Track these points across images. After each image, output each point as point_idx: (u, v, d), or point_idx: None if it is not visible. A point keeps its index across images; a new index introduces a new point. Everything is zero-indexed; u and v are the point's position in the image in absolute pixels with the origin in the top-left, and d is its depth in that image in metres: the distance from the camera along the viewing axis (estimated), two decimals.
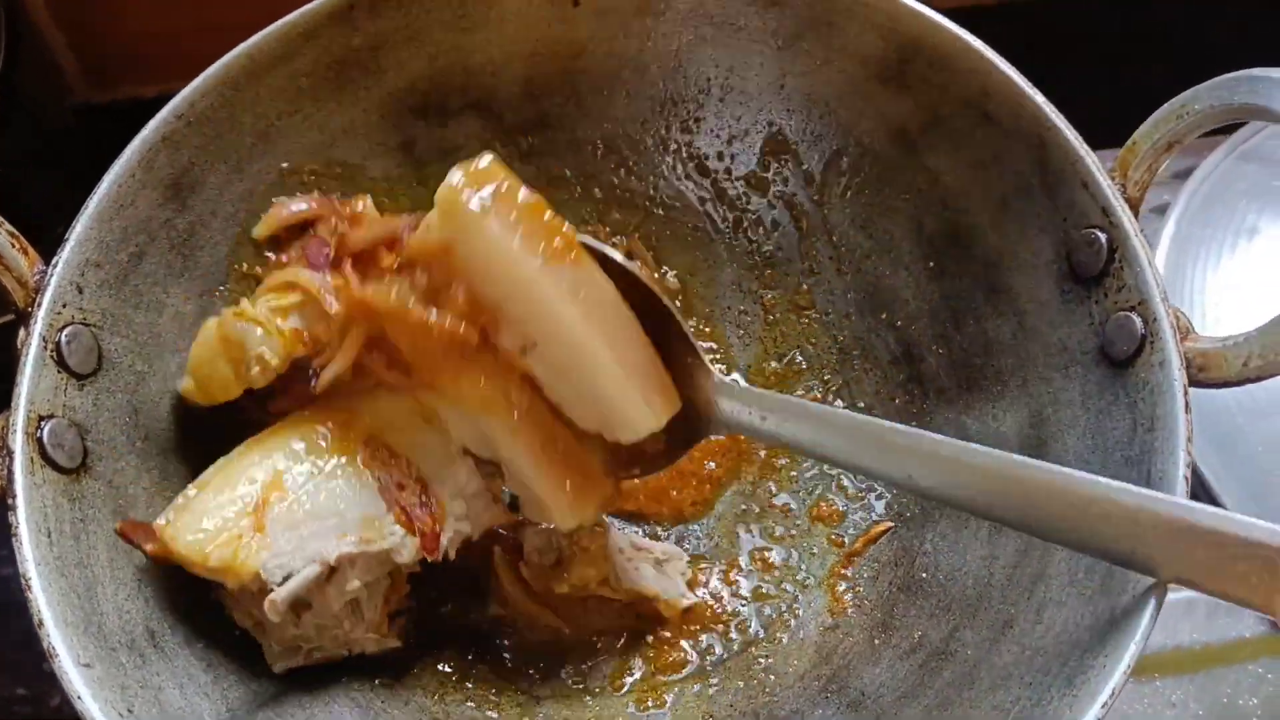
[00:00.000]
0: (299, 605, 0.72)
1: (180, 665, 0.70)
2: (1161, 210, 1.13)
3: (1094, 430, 0.73)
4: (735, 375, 0.93)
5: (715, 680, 0.82)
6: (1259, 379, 0.67)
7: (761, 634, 0.83)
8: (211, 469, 0.73)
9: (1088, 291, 0.75)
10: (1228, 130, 1.14)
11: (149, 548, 0.69)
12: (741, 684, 0.81)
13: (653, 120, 0.93)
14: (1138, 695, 0.92)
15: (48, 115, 1.18)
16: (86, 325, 0.73)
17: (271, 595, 0.68)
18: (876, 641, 0.79)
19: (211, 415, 0.79)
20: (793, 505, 0.88)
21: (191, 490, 0.71)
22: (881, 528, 0.86)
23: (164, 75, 1.10)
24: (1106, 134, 0.80)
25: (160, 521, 0.69)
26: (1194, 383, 0.69)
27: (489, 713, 0.79)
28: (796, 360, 0.92)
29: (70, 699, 0.61)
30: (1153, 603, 0.62)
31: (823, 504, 0.88)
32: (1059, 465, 0.73)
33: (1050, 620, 0.69)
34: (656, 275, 0.95)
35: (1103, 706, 0.60)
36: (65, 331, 0.71)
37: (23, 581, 0.63)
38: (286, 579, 0.69)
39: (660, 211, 0.95)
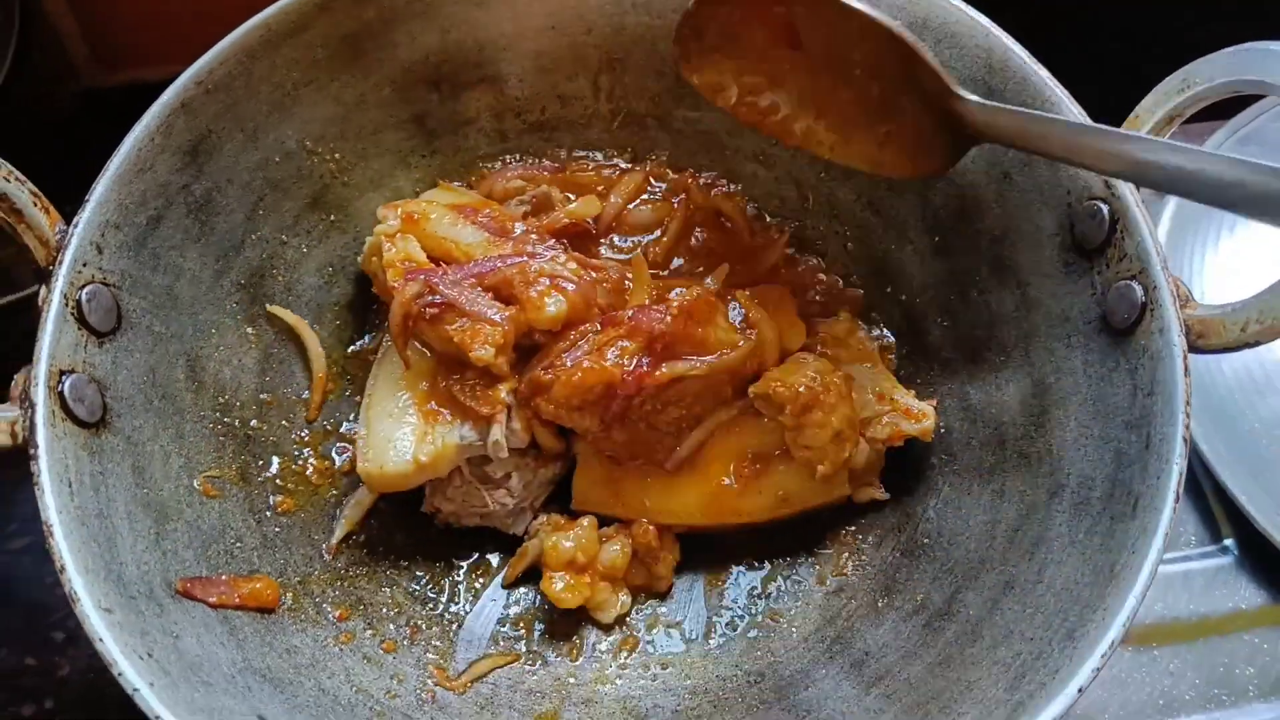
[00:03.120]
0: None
1: (198, 617, 0.71)
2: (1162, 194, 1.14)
3: (1095, 397, 0.75)
4: None
5: (721, 641, 0.83)
6: (1257, 344, 0.68)
7: (766, 600, 0.85)
8: (365, 409, 0.82)
9: (1090, 262, 0.76)
10: (1229, 113, 1.15)
11: (212, 600, 0.73)
12: (747, 644, 0.82)
13: (662, 97, 0.94)
14: (1136, 664, 0.93)
15: (56, 98, 1.19)
16: (106, 285, 0.74)
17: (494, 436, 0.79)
18: (880, 604, 0.81)
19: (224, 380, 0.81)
20: None
21: (362, 430, 0.81)
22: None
23: (168, 60, 1.11)
24: (1116, 105, 0.81)
25: (362, 465, 0.79)
26: (1193, 349, 0.70)
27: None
28: None
29: (92, 642, 0.62)
30: (1152, 554, 0.64)
31: None
32: (1061, 430, 0.76)
33: (1051, 579, 0.71)
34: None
35: (1101, 656, 0.62)
36: (85, 290, 0.73)
37: (44, 528, 0.65)
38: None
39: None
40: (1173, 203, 1.11)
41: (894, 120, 0.77)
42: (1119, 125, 0.76)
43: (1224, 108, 1.14)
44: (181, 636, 0.68)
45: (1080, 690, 0.61)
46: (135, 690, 0.61)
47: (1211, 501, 1.00)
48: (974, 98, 0.72)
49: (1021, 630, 0.69)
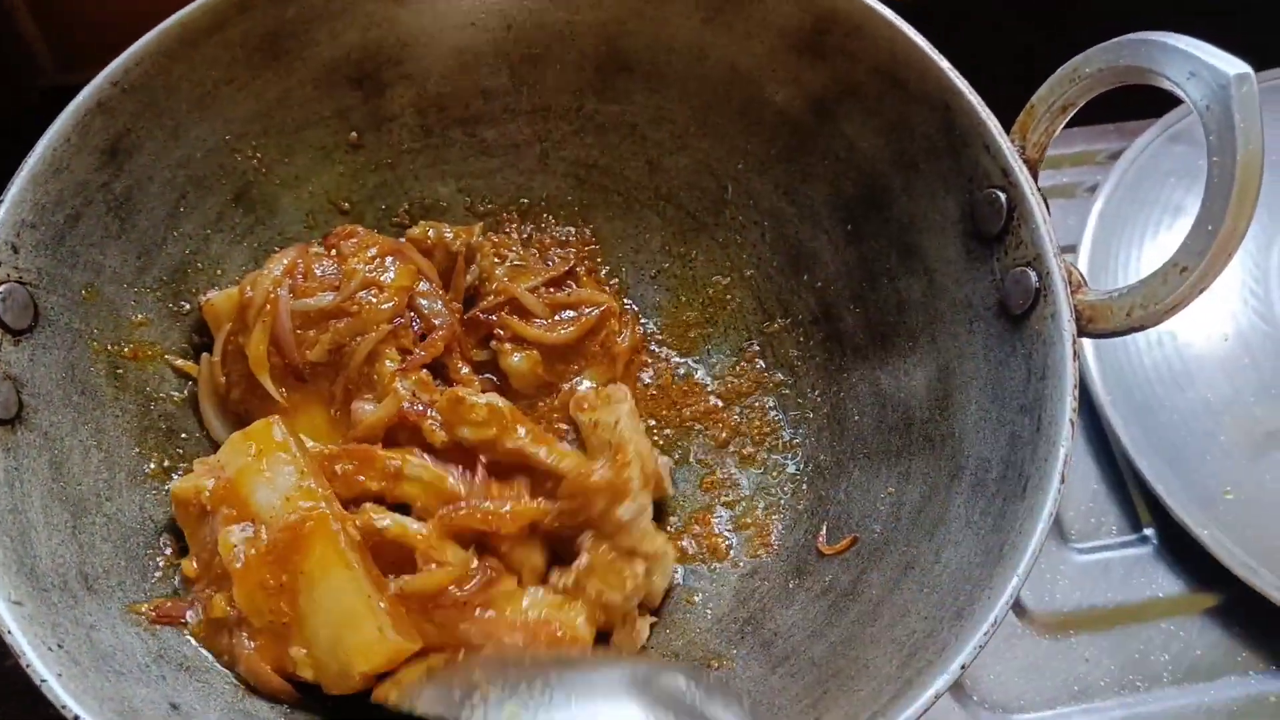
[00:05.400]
0: None
1: (113, 608, 0.73)
2: (1093, 189, 1.16)
3: (994, 381, 0.77)
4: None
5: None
6: (1142, 328, 0.70)
7: (683, 581, 0.87)
8: None
9: (989, 249, 0.78)
10: (1159, 111, 1.17)
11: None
12: (661, 625, 0.84)
13: (583, 91, 0.96)
14: (1054, 651, 0.95)
15: (17, 97, 1.20)
16: (22, 284, 0.76)
17: None
18: (791, 585, 0.83)
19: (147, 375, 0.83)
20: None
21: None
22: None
23: None
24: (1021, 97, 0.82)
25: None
26: (1084, 333, 0.72)
27: None
28: (720, 319, 0.97)
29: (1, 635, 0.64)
30: (1037, 534, 0.66)
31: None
32: (963, 414, 0.78)
33: (947, 559, 0.73)
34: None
35: (984, 634, 0.64)
36: (0, 289, 0.74)
37: None
38: None
39: (593, 181, 0.98)
40: (1101, 198, 1.13)
41: None
42: (1016, 116, 0.78)
43: (1155, 106, 1.17)
44: (96, 627, 0.70)
45: (963, 667, 0.63)
46: (43, 681, 0.62)
47: (1132, 492, 1.03)
48: None
49: (918, 609, 0.71)
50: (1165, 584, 0.99)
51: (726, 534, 0.89)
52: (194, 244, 0.88)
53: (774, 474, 0.91)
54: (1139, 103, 1.10)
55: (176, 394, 0.86)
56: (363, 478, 0.77)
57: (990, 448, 0.75)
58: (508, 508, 0.77)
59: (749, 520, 0.89)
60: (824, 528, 0.85)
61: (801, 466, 0.90)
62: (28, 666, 0.63)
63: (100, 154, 0.81)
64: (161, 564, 0.78)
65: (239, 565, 0.72)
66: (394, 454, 0.78)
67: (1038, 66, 0.80)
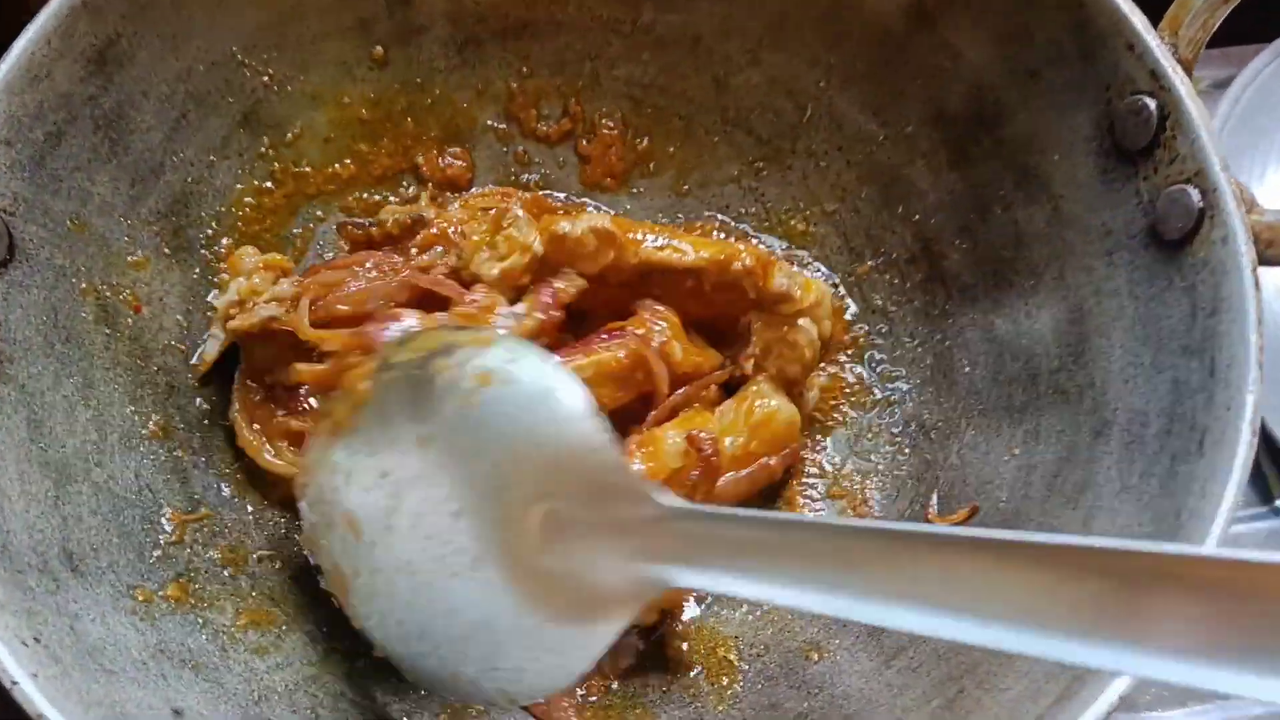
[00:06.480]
0: None
1: (104, 592, 0.61)
2: None
3: (1144, 320, 0.65)
4: None
5: (721, 609, 0.74)
6: None
7: None
8: None
9: (1134, 167, 0.66)
10: (1270, 36, 1.05)
11: None
12: (748, 612, 0.73)
13: (642, 3, 0.83)
14: None
15: (7, 29, 1.10)
16: None
17: None
18: None
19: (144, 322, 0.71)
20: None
21: None
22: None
23: None
24: None
25: None
26: (1264, 260, 0.61)
27: None
28: (798, 260, 0.84)
29: None
30: (1228, 496, 0.55)
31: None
32: (1104, 361, 0.66)
33: (1101, 530, 0.62)
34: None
35: None
36: None
37: None
38: None
39: (651, 103, 0.86)
40: (1221, 112, 1.02)
41: None
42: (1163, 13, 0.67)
43: (1264, 31, 1.06)
44: (81, 617, 0.58)
45: None
46: (14, 684, 0.51)
47: (1262, 461, 0.92)
48: None
49: None
50: None
51: (815, 506, 0.77)
52: (196, 171, 0.76)
53: (868, 436, 0.79)
54: (1246, 27, 1.00)
55: (179, 345, 0.74)
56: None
57: (1145, 398, 0.63)
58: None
59: (841, 489, 0.77)
60: (934, 496, 0.73)
61: (901, 426, 0.79)
62: None
63: (87, 62, 0.68)
64: (162, 541, 0.67)
65: None
66: None
67: None
